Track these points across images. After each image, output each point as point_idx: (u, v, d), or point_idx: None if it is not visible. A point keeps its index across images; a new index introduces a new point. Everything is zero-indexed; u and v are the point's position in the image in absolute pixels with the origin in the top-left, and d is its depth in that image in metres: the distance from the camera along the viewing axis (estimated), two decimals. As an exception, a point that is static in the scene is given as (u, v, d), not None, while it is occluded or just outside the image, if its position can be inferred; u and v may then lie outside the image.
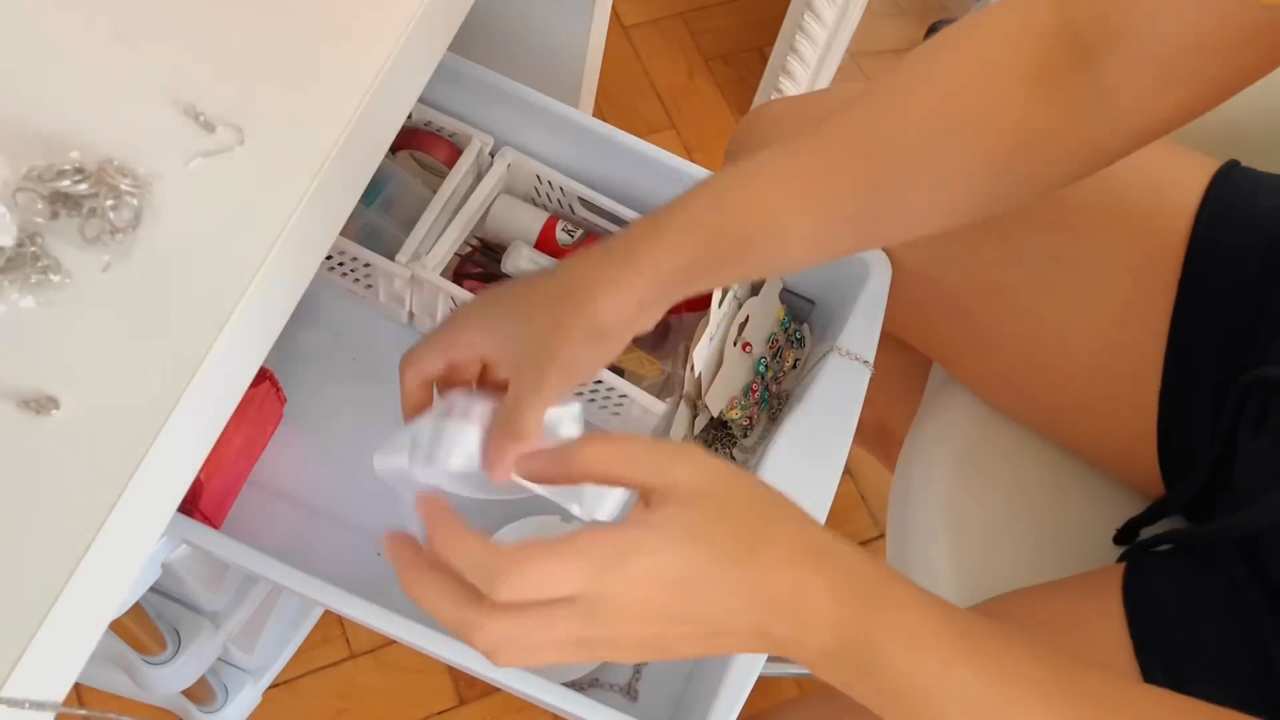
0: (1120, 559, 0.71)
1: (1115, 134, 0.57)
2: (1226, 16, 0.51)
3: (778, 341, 0.84)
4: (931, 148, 0.57)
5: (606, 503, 0.52)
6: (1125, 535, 0.75)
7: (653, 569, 0.43)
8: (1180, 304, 0.69)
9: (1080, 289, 0.72)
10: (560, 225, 0.84)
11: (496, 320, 0.57)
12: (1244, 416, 0.65)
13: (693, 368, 0.77)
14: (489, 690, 1.16)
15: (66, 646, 0.46)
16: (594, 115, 0.86)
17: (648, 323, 0.58)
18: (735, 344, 0.80)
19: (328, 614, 1.17)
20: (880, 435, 1.00)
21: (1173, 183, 0.72)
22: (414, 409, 0.59)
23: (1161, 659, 0.61)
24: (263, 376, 0.77)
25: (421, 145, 0.85)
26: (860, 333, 0.77)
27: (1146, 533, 0.74)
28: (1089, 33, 0.54)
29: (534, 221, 0.84)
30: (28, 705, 0.44)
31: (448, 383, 0.60)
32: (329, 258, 0.82)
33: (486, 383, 0.60)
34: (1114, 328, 0.71)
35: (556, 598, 0.43)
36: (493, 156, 0.85)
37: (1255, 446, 0.64)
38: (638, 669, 0.76)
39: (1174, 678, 0.60)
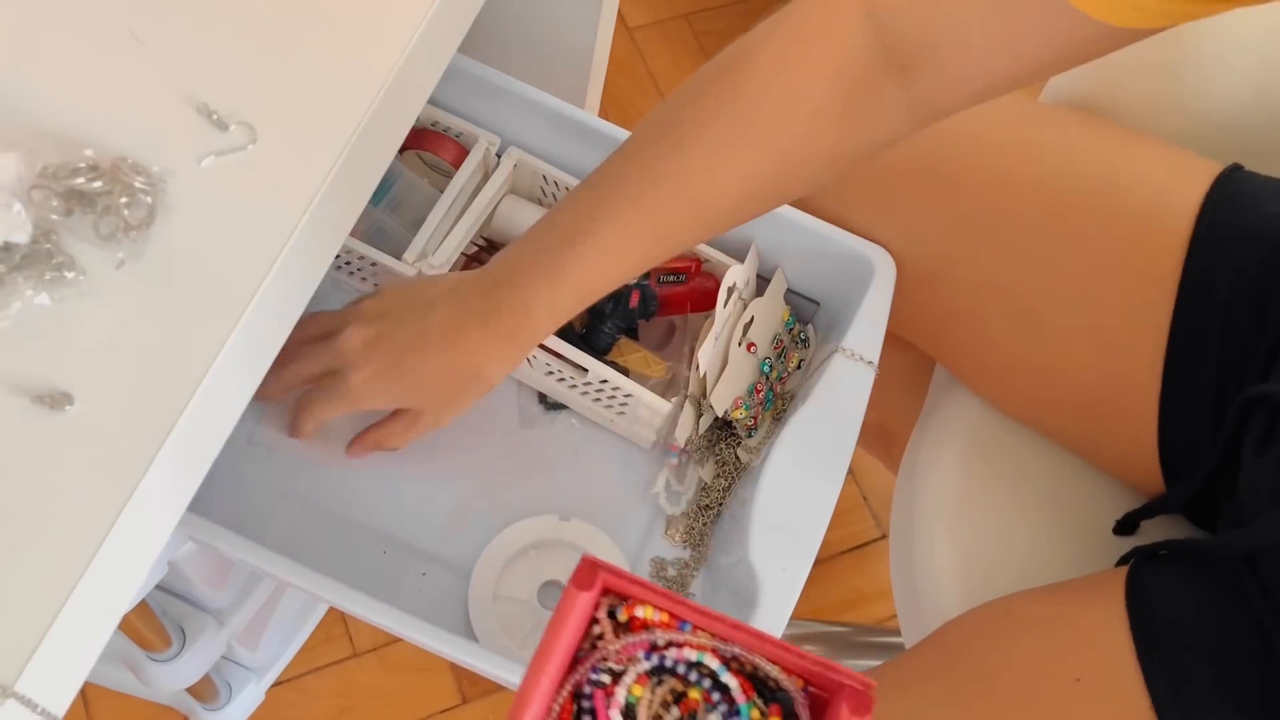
0: (1121, 561, 0.71)
1: (923, 123, 0.60)
2: (1045, 32, 0.52)
3: (782, 342, 0.84)
4: (756, 194, 0.64)
5: None
6: (1124, 527, 0.75)
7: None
8: (1181, 306, 0.69)
9: (1081, 290, 0.72)
10: (566, 225, 0.84)
11: (390, 389, 0.69)
12: (1249, 431, 0.65)
13: (698, 367, 0.77)
14: (492, 689, 1.16)
15: (78, 643, 0.47)
16: (599, 116, 0.86)
17: None
18: (740, 344, 0.80)
19: (331, 612, 1.17)
20: (883, 436, 1.01)
21: (1175, 186, 0.72)
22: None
23: (1164, 663, 0.61)
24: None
25: (428, 145, 0.85)
26: (864, 333, 0.77)
27: (1146, 527, 0.75)
28: (908, 53, 0.56)
29: (540, 222, 0.85)
30: (40, 711, 0.45)
31: None
32: (336, 256, 0.82)
33: None
34: (1115, 329, 0.71)
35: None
36: (499, 157, 0.85)
37: (1260, 464, 0.64)
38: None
39: (1176, 681, 0.60)
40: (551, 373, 0.80)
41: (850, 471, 0.77)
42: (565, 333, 0.80)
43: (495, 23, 0.95)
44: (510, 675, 0.65)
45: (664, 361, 0.83)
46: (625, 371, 0.80)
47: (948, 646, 0.70)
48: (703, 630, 0.48)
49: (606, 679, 0.47)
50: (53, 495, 0.46)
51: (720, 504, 0.81)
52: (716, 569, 0.78)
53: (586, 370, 0.78)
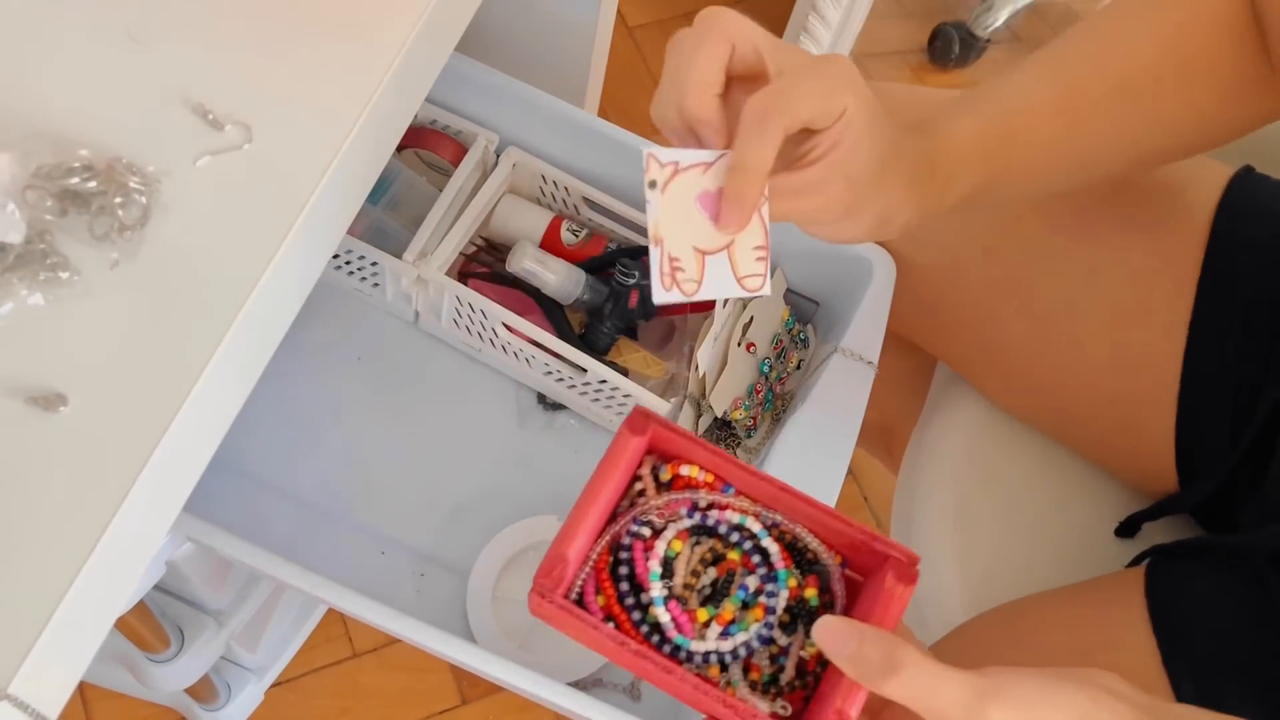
0: (1132, 563, 0.71)
1: (1271, 107, 0.60)
2: None
3: (782, 342, 0.84)
4: (1164, 93, 0.59)
5: None
6: (1126, 529, 0.74)
7: None
8: (1200, 305, 0.69)
9: (1097, 290, 0.72)
10: (565, 225, 0.84)
11: (869, 150, 0.53)
12: None
13: (697, 368, 0.77)
14: (491, 689, 1.16)
15: (72, 644, 0.47)
16: (599, 116, 0.86)
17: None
18: (739, 344, 0.80)
19: (330, 613, 1.17)
20: (884, 436, 1.00)
21: (1190, 186, 0.72)
22: (763, 176, 0.51)
23: (1190, 666, 0.61)
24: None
25: (427, 144, 0.85)
26: (864, 334, 0.77)
27: (1149, 529, 0.74)
28: (1265, 12, 0.57)
29: (539, 221, 0.85)
30: (34, 713, 0.44)
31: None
32: (335, 256, 0.82)
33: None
34: (1131, 329, 0.71)
35: None
36: (498, 155, 0.85)
37: None
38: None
39: (1203, 685, 0.60)
40: (550, 373, 0.80)
41: (850, 472, 0.76)
42: (564, 333, 0.80)
43: (494, 22, 0.95)
44: (509, 676, 0.65)
45: (663, 362, 0.82)
46: (624, 372, 0.80)
47: (969, 647, 0.70)
48: (746, 495, 0.48)
49: (647, 532, 0.47)
50: (47, 496, 0.46)
51: (720, 504, 0.81)
52: (716, 570, 0.78)
53: (586, 370, 0.78)
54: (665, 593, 0.46)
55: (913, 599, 0.78)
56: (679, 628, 0.45)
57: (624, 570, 0.47)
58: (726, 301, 0.79)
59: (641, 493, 0.48)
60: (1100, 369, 0.73)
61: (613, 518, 0.48)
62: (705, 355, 0.77)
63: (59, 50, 0.55)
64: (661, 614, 0.45)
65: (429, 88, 0.64)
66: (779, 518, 0.48)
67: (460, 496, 0.81)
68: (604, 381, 0.78)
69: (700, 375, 0.78)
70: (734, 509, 0.47)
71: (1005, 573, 0.75)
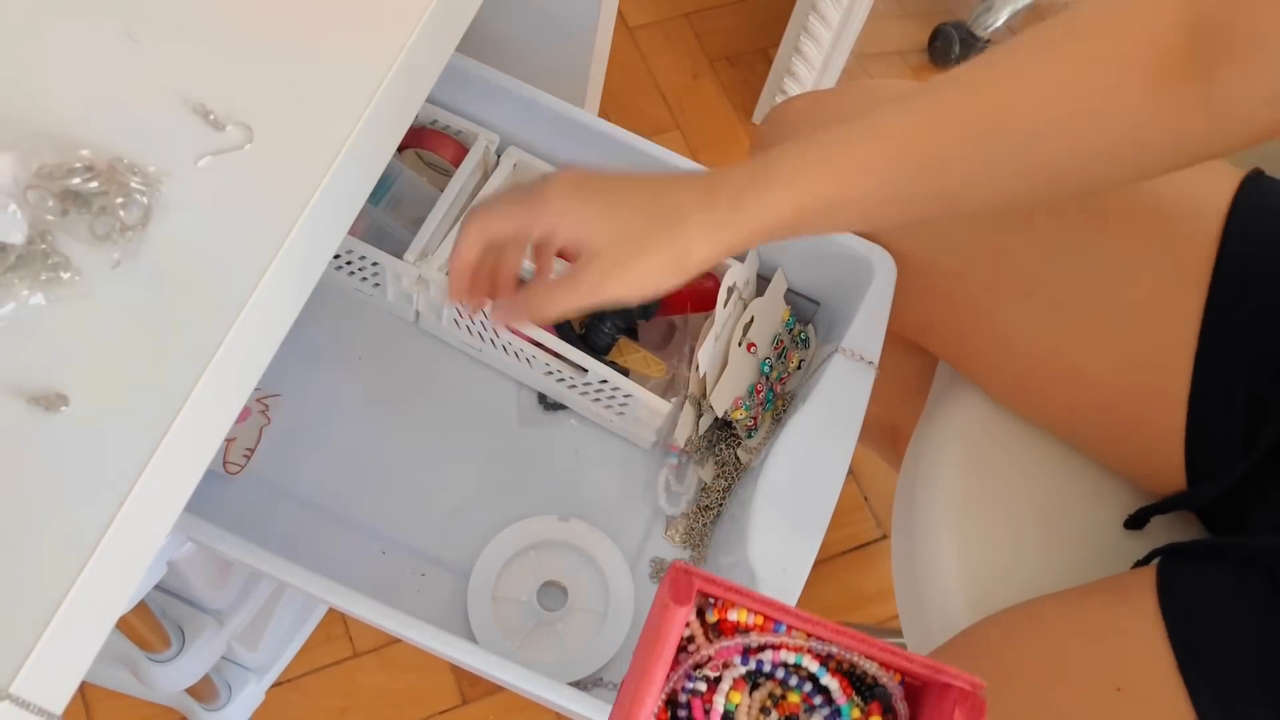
0: (1138, 564, 0.70)
1: (1212, 140, 0.56)
2: None
3: (782, 342, 0.84)
4: (1041, 136, 0.57)
5: None
6: (1135, 521, 0.74)
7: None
8: (1211, 307, 0.69)
9: (1106, 289, 0.72)
10: (566, 225, 0.84)
11: (585, 212, 0.59)
12: None
13: (697, 368, 0.77)
14: (492, 689, 1.16)
15: (74, 644, 0.47)
16: (599, 116, 0.86)
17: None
18: (740, 344, 0.80)
19: (331, 612, 1.17)
20: (886, 434, 1.00)
21: (1201, 188, 0.72)
22: (464, 266, 0.63)
23: (1205, 667, 0.60)
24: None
25: (427, 144, 0.85)
26: (865, 333, 0.77)
27: (1156, 523, 0.74)
28: (1213, 38, 0.53)
29: (540, 221, 0.85)
30: (36, 712, 0.44)
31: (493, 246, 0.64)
32: (336, 256, 0.82)
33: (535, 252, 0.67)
34: (1140, 329, 0.71)
35: None
36: (499, 155, 0.85)
37: None
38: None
39: (1218, 689, 0.59)
40: (551, 373, 0.80)
41: (851, 471, 0.76)
42: (565, 333, 0.80)
43: (495, 22, 0.95)
44: (509, 676, 0.65)
45: (664, 362, 0.83)
46: (625, 372, 0.80)
47: (978, 650, 0.70)
48: (797, 630, 0.46)
49: (703, 686, 0.45)
50: (48, 496, 0.46)
51: (720, 504, 0.81)
52: (716, 569, 0.78)
53: (586, 370, 0.78)
54: None
55: (914, 598, 0.78)
56: None
57: None
58: (727, 301, 0.79)
59: (691, 639, 0.46)
60: (1108, 369, 0.72)
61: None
62: (706, 355, 0.77)
63: (60, 50, 0.55)
64: None
65: (430, 88, 0.64)
66: (833, 648, 0.46)
67: (461, 496, 0.81)
68: (604, 381, 0.78)
69: (701, 375, 0.78)
70: (788, 648, 0.45)
71: (1007, 572, 0.75)
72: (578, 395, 0.81)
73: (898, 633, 1.16)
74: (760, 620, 0.46)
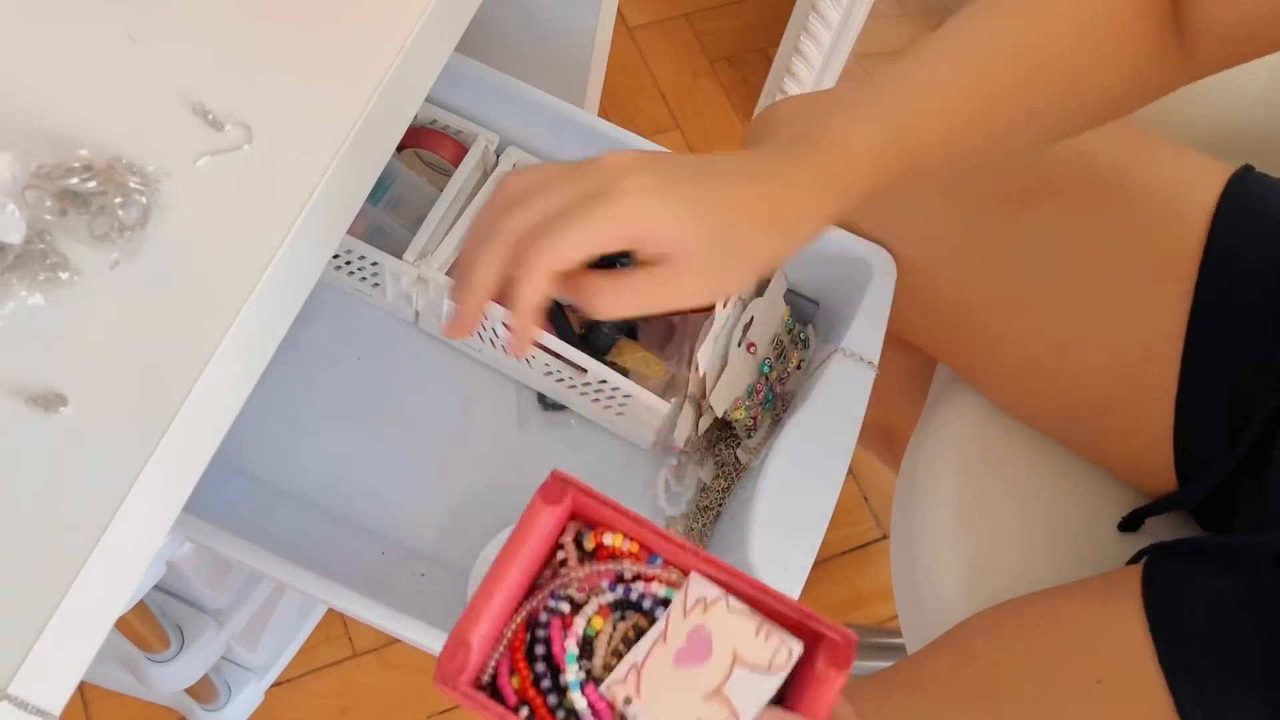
0: (1131, 561, 0.71)
1: (1181, 74, 0.59)
2: None
3: (782, 342, 0.84)
4: (1077, 82, 0.58)
5: None
6: (1130, 523, 0.75)
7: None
8: (1197, 306, 0.69)
9: (1095, 290, 0.72)
10: (565, 225, 0.84)
11: (678, 214, 0.50)
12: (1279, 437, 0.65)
13: (697, 368, 0.77)
14: (491, 690, 1.16)
15: (72, 644, 0.47)
16: (599, 116, 0.86)
17: None
18: (740, 344, 0.80)
19: (330, 613, 1.17)
20: (884, 436, 1.01)
21: (1189, 187, 0.72)
22: (484, 297, 0.51)
23: (1185, 664, 0.61)
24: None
25: (427, 144, 0.85)
26: (864, 334, 0.77)
27: (1152, 523, 0.74)
28: None
29: (539, 221, 0.85)
30: (35, 712, 0.44)
31: None
32: (335, 256, 0.82)
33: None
34: (1129, 329, 0.71)
35: None
36: (498, 155, 0.85)
37: None
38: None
39: (1199, 683, 0.60)
40: (551, 373, 0.80)
41: (850, 472, 0.76)
42: (565, 333, 0.80)
43: (495, 22, 0.95)
44: (508, 677, 0.65)
45: (663, 362, 0.82)
46: (625, 372, 0.80)
47: (963, 647, 0.70)
48: (674, 565, 0.44)
49: (566, 608, 0.43)
50: (46, 497, 0.46)
51: (720, 505, 0.81)
52: (716, 570, 0.78)
53: (586, 370, 0.78)
54: (583, 676, 0.42)
55: (913, 598, 0.78)
56: (596, 715, 0.41)
57: (540, 650, 0.42)
58: (726, 302, 0.79)
59: (564, 563, 0.44)
60: (1099, 369, 0.73)
61: (534, 588, 0.44)
62: (706, 355, 0.77)
63: (59, 50, 0.55)
64: (578, 700, 0.41)
65: (429, 88, 0.65)
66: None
67: (460, 496, 0.81)
68: (604, 382, 0.78)
69: (700, 375, 0.78)
70: (660, 581, 0.43)
71: (1005, 572, 0.75)
72: (577, 395, 0.81)
73: (897, 632, 1.16)
74: (636, 548, 0.44)
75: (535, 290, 0.49)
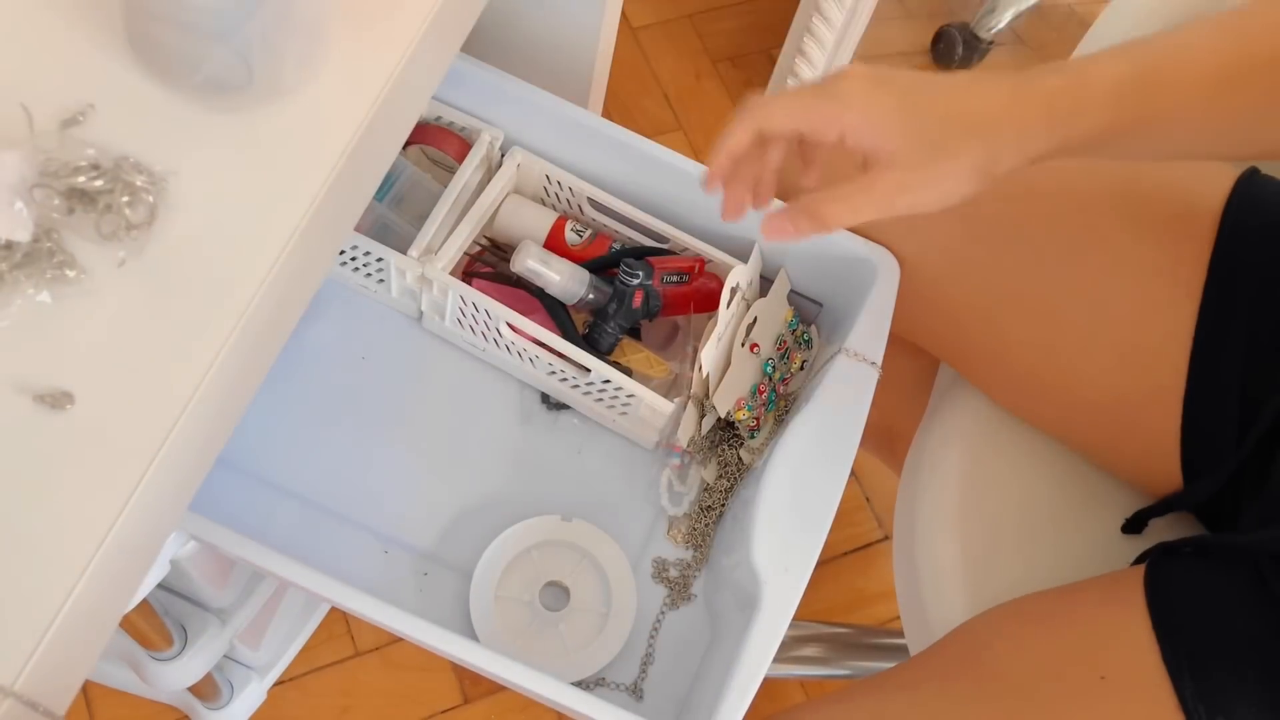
0: (1135, 562, 0.71)
1: None
2: None
3: (785, 343, 0.84)
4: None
5: None
6: (1133, 525, 0.75)
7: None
8: (1206, 307, 0.69)
9: (1104, 293, 0.72)
10: (569, 225, 0.84)
11: (882, 112, 0.55)
12: None
13: (700, 368, 0.77)
14: (494, 689, 1.16)
15: (78, 643, 0.47)
16: (602, 116, 0.86)
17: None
18: (743, 345, 0.80)
19: (333, 611, 1.17)
20: (886, 437, 1.01)
21: (1197, 189, 0.72)
22: (735, 148, 0.59)
23: (1189, 662, 0.61)
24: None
25: (432, 140, 0.85)
26: (868, 335, 0.77)
27: (1155, 524, 0.74)
28: None
29: (543, 221, 0.85)
30: (41, 710, 0.44)
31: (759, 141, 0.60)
32: (341, 252, 0.82)
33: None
34: (1137, 329, 0.71)
35: None
36: (503, 153, 0.85)
37: None
38: (644, 669, 0.76)
39: (1202, 680, 0.60)
40: (554, 373, 0.80)
41: (853, 472, 0.76)
42: (568, 332, 0.80)
43: (499, 23, 0.95)
44: (511, 675, 0.65)
45: (667, 362, 0.83)
46: (628, 372, 0.80)
47: (965, 647, 0.70)
48: None
49: None
50: (53, 494, 0.46)
51: (722, 505, 0.81)
52: (718, 570, 0.78)
53: (589, 370, 0.78)
54: None
55: (915, 599, 0.79)
56: None
57: None
58: (730, 301, 0.79)
59: None
60: (1105, 370, 0.73)
61: None
62: (709, 356, 0.77)
63: (66, 49, 0.55)
64: None
65: (435, 87, 0.65)
66: None
67: (463, 496, 0.81)
68: (607, 381, 0.78)
69: (704, 375, 0.78)
70: None
71: (1008, 573, 0.75)
72: (580, 395, 0.81)
73: (899, 633, 1.16)
74: None
75: (734, 129, 0.58)
